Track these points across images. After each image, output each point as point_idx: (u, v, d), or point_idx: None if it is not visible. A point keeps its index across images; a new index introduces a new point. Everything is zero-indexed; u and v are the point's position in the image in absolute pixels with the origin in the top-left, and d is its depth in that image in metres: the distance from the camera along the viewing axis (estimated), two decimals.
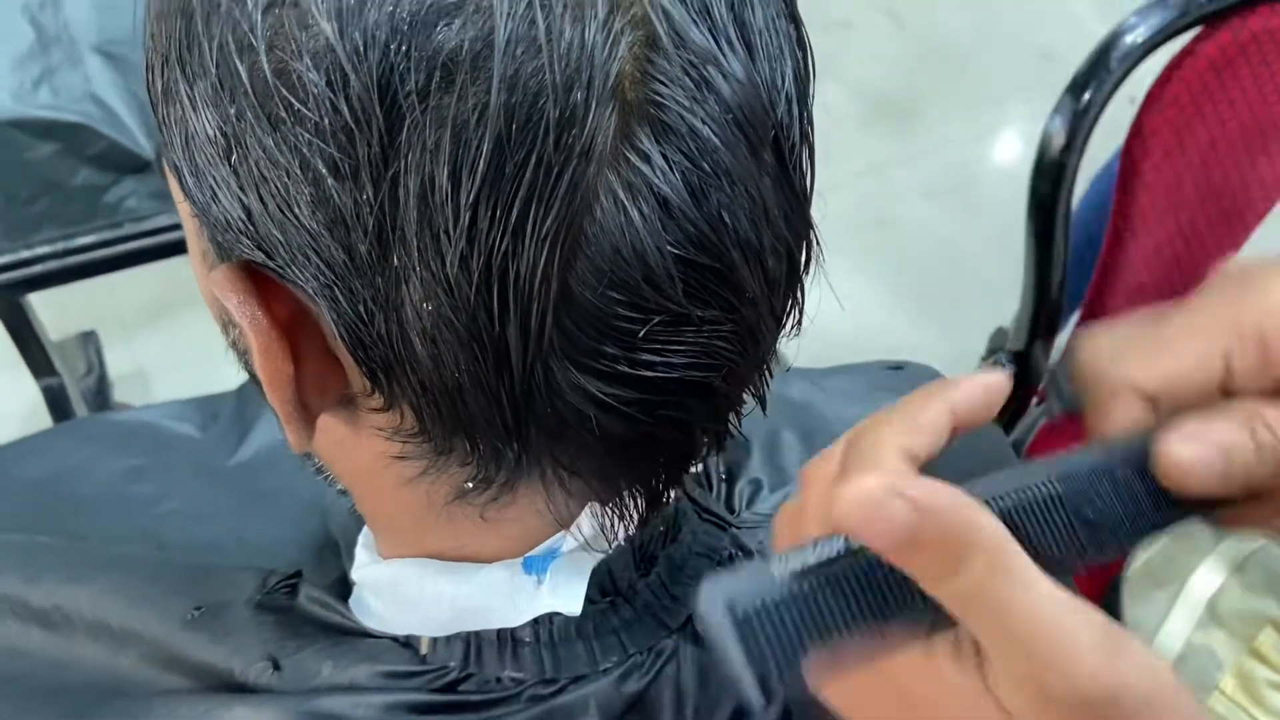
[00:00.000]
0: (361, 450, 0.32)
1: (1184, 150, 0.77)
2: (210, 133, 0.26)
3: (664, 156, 0.25)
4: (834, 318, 1.81)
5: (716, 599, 0.23)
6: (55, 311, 1.32)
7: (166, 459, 0.59)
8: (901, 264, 1.78)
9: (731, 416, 0.32)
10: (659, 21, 0.25)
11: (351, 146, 0.25)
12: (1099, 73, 0.73)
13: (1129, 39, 0.73)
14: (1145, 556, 0.84)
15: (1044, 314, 0.93)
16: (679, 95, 0.25)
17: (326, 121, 0.25)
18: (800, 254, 0.31)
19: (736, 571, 0.23)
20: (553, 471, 0.31)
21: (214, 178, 0.27)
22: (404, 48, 0.24)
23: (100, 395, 1.31)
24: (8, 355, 1.04)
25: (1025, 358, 0.98)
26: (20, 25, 1.09)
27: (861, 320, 1.70)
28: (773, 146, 0.28)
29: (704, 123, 0.26)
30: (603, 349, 0.27)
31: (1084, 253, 0.86)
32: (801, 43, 0.29)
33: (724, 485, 0.46)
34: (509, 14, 0.24)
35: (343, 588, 0.42)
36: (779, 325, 0.31)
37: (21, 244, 0.98)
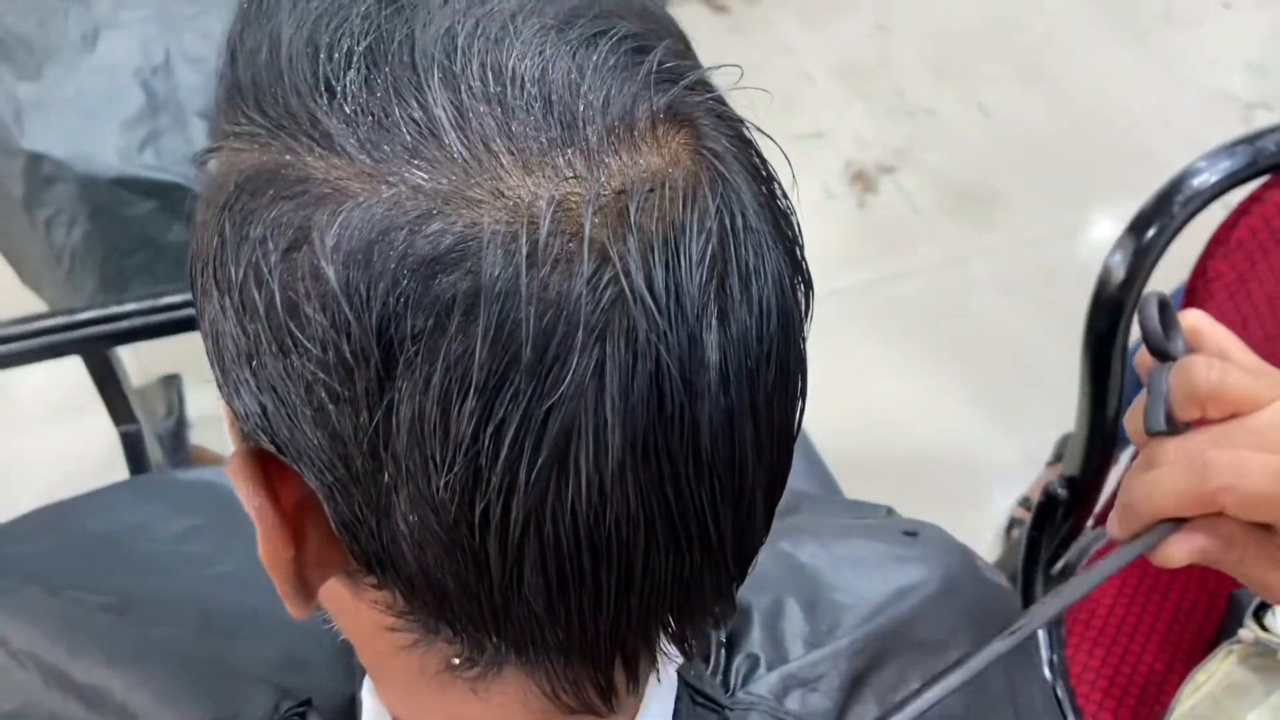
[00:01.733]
0: (361, 616, 0.34)
1: (1249, 294, 0.76)
2: (235, 337, 0.29)
3: (642, 404, 0.27)
4: (899, 407, 1.79)
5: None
6: (140, 352, 1.38)
7: (225, 520, 0.61)
8: (972, 357, 1.76)
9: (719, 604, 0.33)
10: (632, 288, 0.27)
11: (350, 380, 0.27)
12: (1162, 215, 0.72)
13: (1195, 183, 0.73)
14: (1190, 704, 0.81)
15: (1098, 442, 0.91)
16: (660, 349, 0.27)
17: (330, 356, 0.27)
18: (778, 488, 0.32)
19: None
20: (535, 658, 0.32)
21: (237, 376, 0.30)
22: (402, 298, 0.26)
23: (177, 438, 1.36)
24: (92, 399, 1.10)
25: (1079, 482, 0.97)
26: (133, 90, 1.15)
27: (927, 411, 1.69)
28: (752, 397, 0.29)
29: (685, 375, 0.27)
30: (581, 561, 0.29)
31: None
32: (794, 295, 0.31)
33: (724, 654, 0.46)
34: (500, 270, 0.26)
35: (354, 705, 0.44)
36: (756, 539, 0.33)
37: (113, 299, 1.03)
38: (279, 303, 0.27)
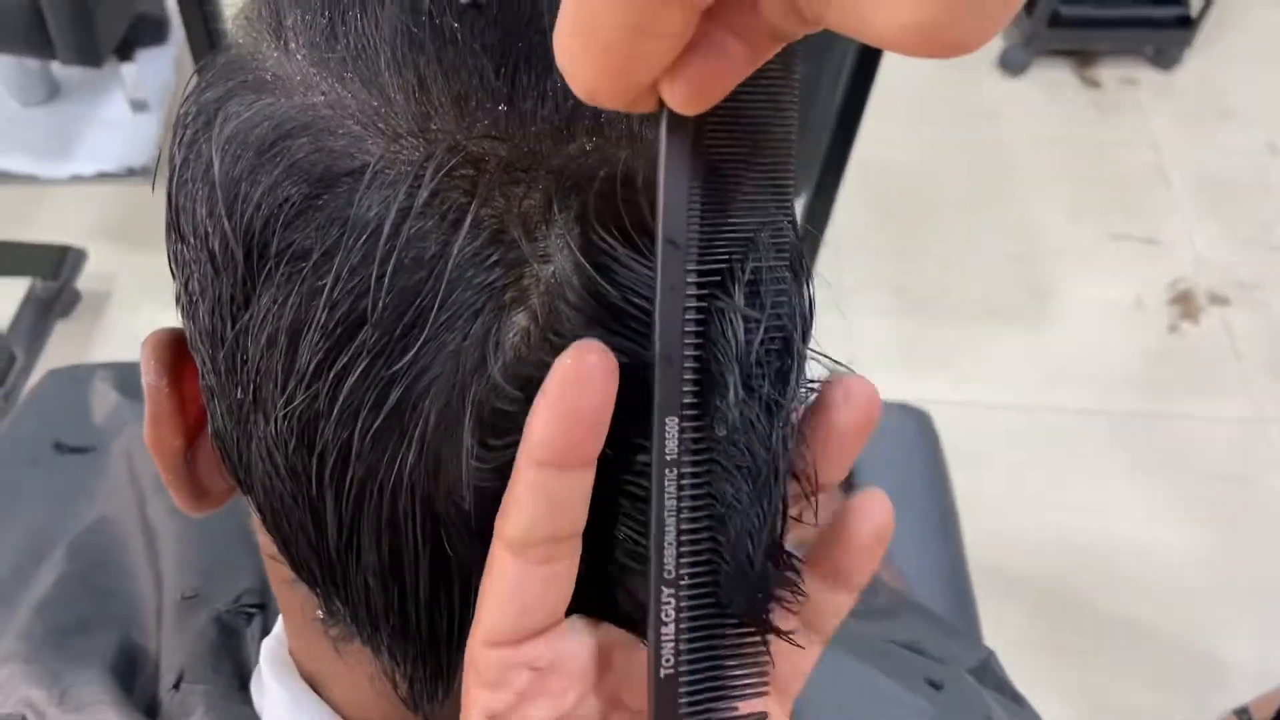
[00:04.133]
0: (260, 536, 0.32)
1: None
2: (166, 219, 0.28)
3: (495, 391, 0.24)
4: (1134, 554, 1.58)
5: None
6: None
7: None
8: (1241, 532, 1.52)
9: None
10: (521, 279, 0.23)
11: (216, 279, 0.25)
12: None
13: None
14: None
15: None
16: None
17: (202, 250, 0.26)
18: None
19: None
20: (373, 637, 0.29)
21: (169, 256, 0.29)
22: (279, 208, 0.24)
23: (46, 308, 1.50)
24: None
25: None
26: None
27: (1164, 570, 1.48)
28: None
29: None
30: (418, 550, 0.25)
31: None
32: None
33: None
34: (377, 210, 0.23)
35: None
36: None
37: None
38: (176, 184, 0.27)
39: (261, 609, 0.44)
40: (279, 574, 0.31)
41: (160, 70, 1.85)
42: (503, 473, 0.23)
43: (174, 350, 0.30)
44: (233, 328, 0.25)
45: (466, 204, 0.23)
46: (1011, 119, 2.04)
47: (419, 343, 0.23)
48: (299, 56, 0.25)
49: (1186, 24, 2.08)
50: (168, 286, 0.28)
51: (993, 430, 1.59)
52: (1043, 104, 2.07)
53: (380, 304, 0.23)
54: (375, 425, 0.24)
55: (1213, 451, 1.60)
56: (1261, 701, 1.36)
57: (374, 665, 0.30)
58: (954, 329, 1.72)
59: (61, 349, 1.56)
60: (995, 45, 2.13)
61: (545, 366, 0.22)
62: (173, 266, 0.28)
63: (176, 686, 0.40)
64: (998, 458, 1.55)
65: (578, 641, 0.24)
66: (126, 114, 1.81)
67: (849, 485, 0.82)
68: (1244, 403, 1.66)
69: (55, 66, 1.81)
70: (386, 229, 0.23)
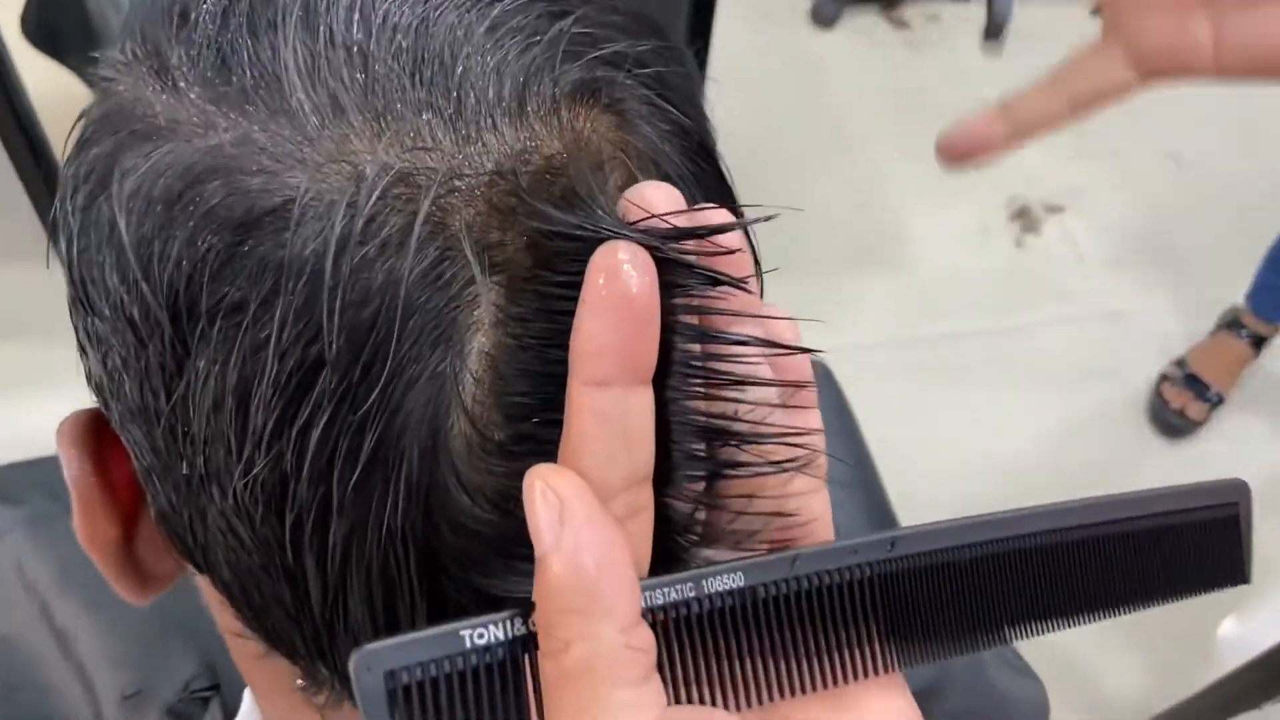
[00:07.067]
0: (216, 611, 0.30)
1: None
2: (69, 294, 0.26)
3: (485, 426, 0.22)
4: (1026, 461, 1.64)
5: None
6: None
7: None
8: (1117, 422, 1.62)
9: None
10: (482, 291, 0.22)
11: (142, 349, 0.23)
12: None
13: None
14: None
15: None
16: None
17: (120, 321, 0.23)
18: None
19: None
20: None
21: (74, 328, 0.26)
22: (201, 262, 0.22)
23: None
24: None
25: None
26: None
27: (1057, 470, 1.57)
28: None
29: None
30: (414, 598, 0.24)
31: None
32: None
33: None
34: (313, 246, 0.21)
35: None
36: None
37: None
38: (77, 253, 0.24)
39: (215, 689, 0.42)
40: (246, 650, 0.29)
41: None
42: (504, 493, 0.22)
43: (94, 433, 0.28)
44: (168, 399, 0.23)
45: (408, 225, 0.22)
46: (833, 70, 2.10)
47: (383, 380, 0.22)
48: (191, 95, 0.23)
49: None
50: None
51: (875, 369, 1.64)
52: (859, 51, 2.14)
53: (334, 346, 0.21)
54: (354, 476, 0.22)
55: (1077, 351, 1.70)
56: (1198, 352, 1.56)
57: None
58: (821, 282, 1.77)
59: None
60: (805, 1, 2.19)
61: (520, 378, 0.22)
62: (84, 345, 0.25)
63: None
64: (885, 393, 1.60)
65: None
66: None
67: None
68: (1094, 301, 1.76)
69: None
70: (327, 265, 0.21)
